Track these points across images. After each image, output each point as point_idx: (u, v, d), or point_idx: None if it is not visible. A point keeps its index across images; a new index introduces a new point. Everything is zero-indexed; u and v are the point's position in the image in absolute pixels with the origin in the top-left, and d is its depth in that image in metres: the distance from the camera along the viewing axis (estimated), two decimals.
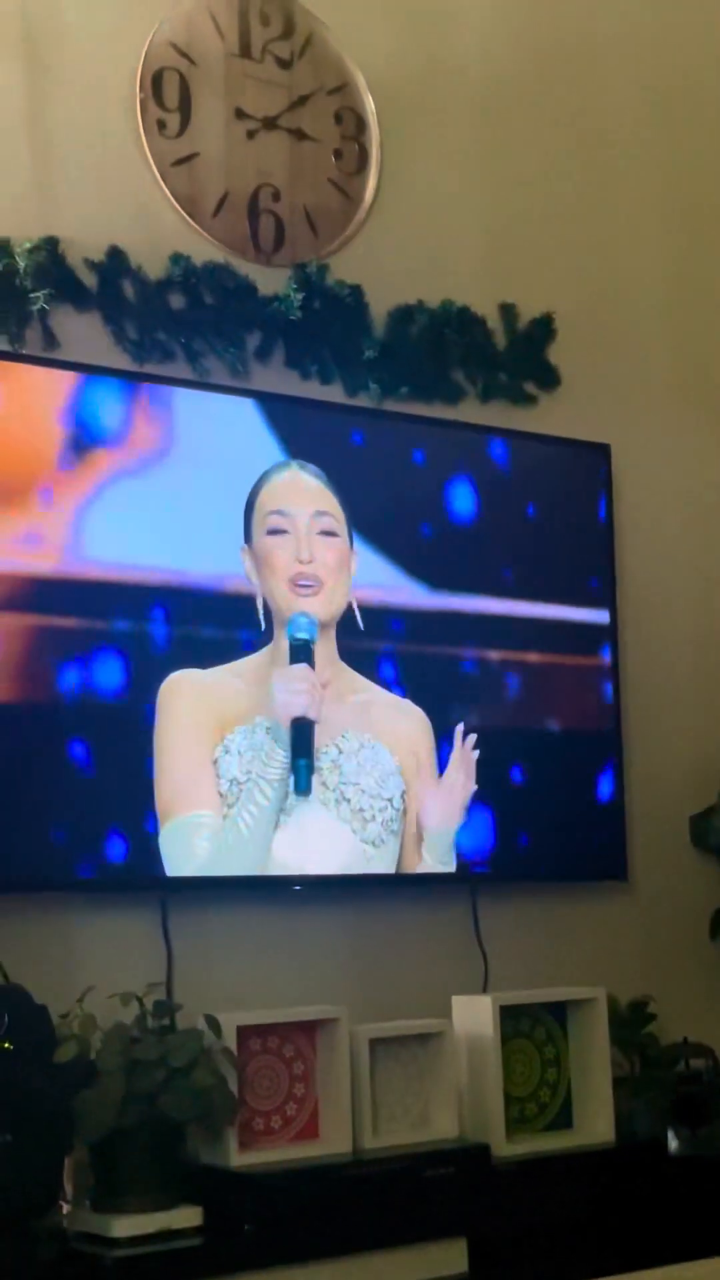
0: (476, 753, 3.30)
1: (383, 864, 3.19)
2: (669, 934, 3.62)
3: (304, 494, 3.18)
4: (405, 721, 3.25)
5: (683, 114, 3.96)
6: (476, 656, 3.36)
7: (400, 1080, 2.98)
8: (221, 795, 3.03)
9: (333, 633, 3.19)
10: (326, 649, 3.17)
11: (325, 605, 3.17)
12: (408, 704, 3.26)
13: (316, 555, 3.16)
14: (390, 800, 3.20)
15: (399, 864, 3.21)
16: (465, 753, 3.29)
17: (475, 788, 3.29)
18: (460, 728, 3.30)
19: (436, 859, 3.25)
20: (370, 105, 3.47)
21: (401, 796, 3.21)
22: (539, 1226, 2.89)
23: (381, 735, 3.21)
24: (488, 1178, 2.90)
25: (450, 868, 3.26)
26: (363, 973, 3.22)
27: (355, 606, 3.21)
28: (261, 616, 3.12)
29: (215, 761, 3.04)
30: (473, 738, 3.30)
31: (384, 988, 3.21)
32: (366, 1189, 2.78)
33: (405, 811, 3.22)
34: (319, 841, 3.11)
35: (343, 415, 3.30)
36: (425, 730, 3.27)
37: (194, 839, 3.00)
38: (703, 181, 3.97)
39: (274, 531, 3.14)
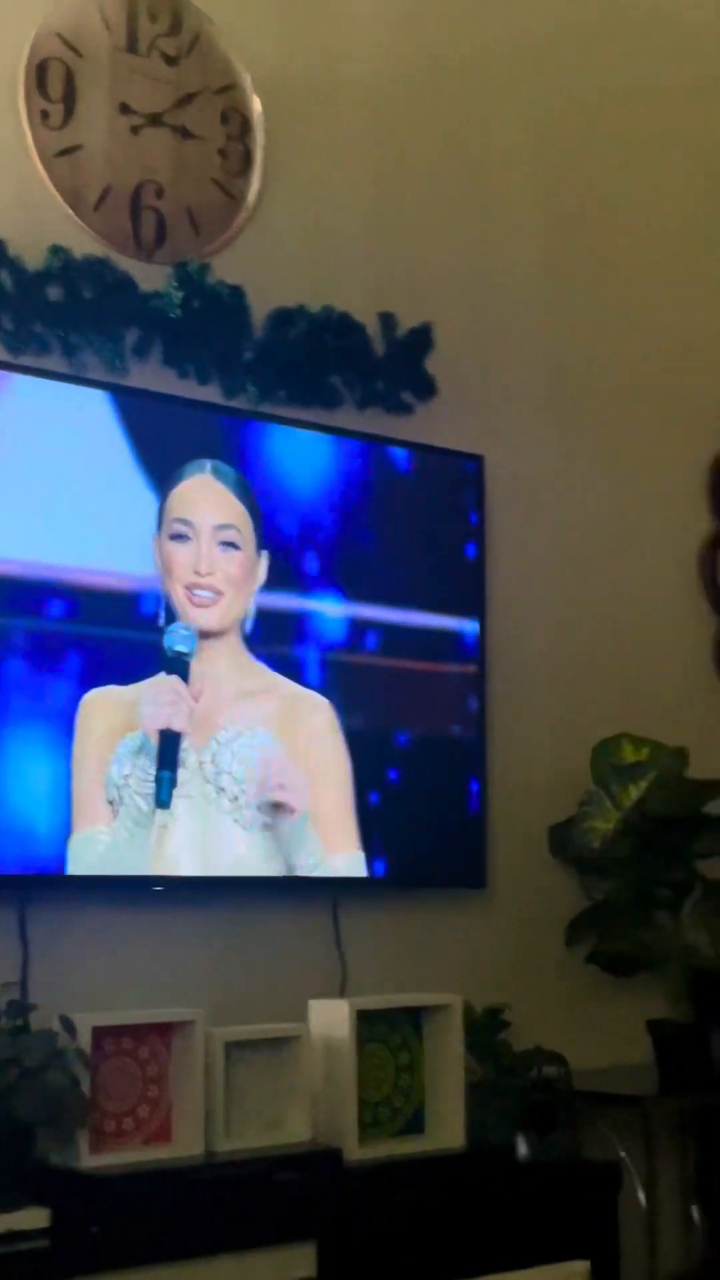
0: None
1: (267, 849, 3.19)
2: (527, 942, 3.65)
3: (210, 503, 3.20)
4: (308, 712, 3.28)
5: (567, 129, 4.01)
6: (345, 661, 3.37)
7: (255, 1083, 2.98)
8: (110, 804, 3.04)
9: (236, 636, 3.21)
10: (228, 651, 3.19)
11: (222, 615, 3.19)
12: (315, 696, 3.30)
13: (217, 567, 3.18)
14: (263, 783, 3.21)
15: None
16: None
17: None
18: None
19: (304, 848, 3.26)
20: (256, 107, 3.47)
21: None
22: (388, 1231, 2.90)
23: (271, 723, 3.22)
24: (338, 1182, 2.91)
25: (315, 852, 3.27)
26: (222, 975, 3.21)
27: (249, 612, 3.23)
28: (163, 613, 3.13)
29: (106, 771, 3.04)
30: None
31: (243, 991, 3.21)
32: (216, 1192, 2.77)
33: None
34: (201, 836, 3.13)
35: (219, 417, 3.30)
36: (329, 720, 3.30)
37: (90, 851, 3.02)
38: (585, 198, 4.03)
39: (176, 537, 3.15)
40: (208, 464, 3.21)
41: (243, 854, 3.18)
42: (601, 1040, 3.66)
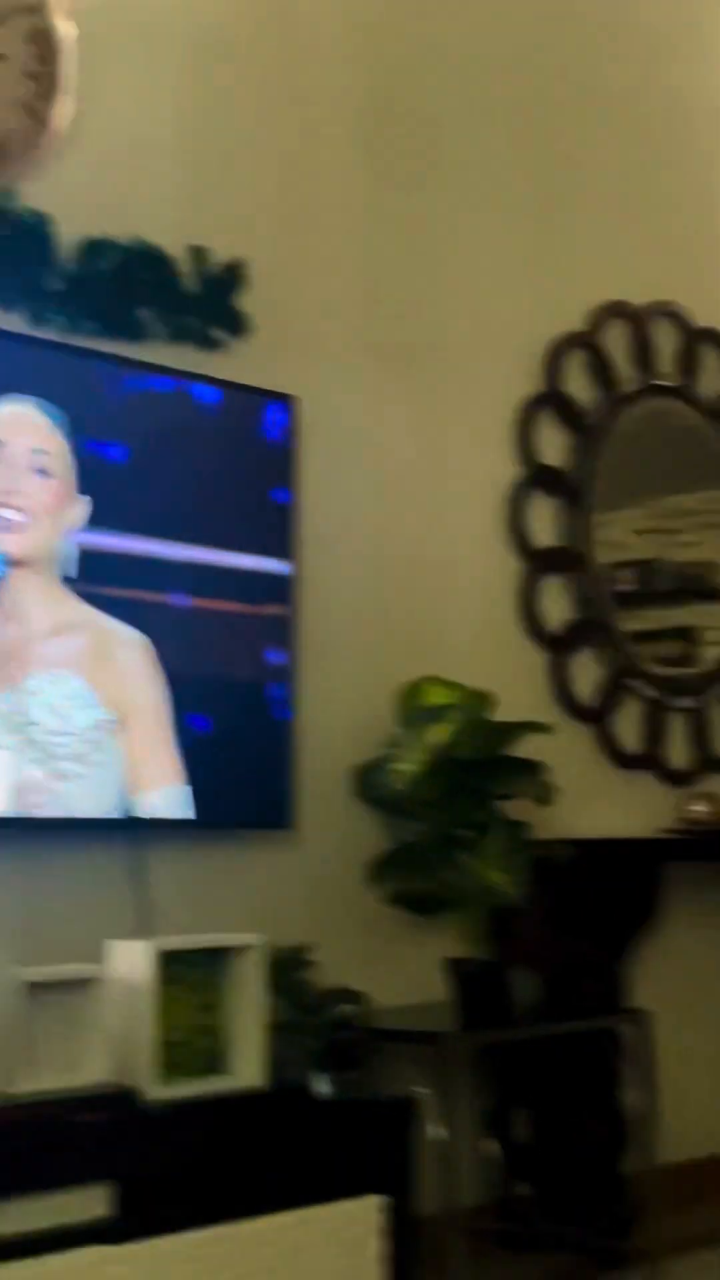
0: None
1: (87, 795, 3.17)
2: (330, 883, 3.67)
3: (26, 427, 3.15)
4: (121, 648, 3.25)
5: (384, 66, 3.98)
6: (154, 601, 3.34)
7: (54, 1025, 2.95)
8: None
9: (48, 569, 3.16)
10: (39, 584, 3.15)
11: (29, 542, 3.12)
12: (129, 632, 3.26)
13: (25, 489, 3.11)
14: (78, 733, 3.16)
15: (124, 789, 3.23)
16: None
17: None
18: None
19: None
20: (67, 30, 3.37)
21: (101, 725, 3.19)
22: (186, 1170, 2.90)
23: (82, 663, 3.18)
24: (136, 1122, 2.90)
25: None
26: (24, 916, 3.17)
27: (73, 552, 3.19)
28: None
29: None
30: None
31: (45, 932, 3.17)
32: (12, 1134, 2.74)
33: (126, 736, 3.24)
34: (9, 780, 3.09)
35: (23, 347, 3.22)
36: (143, 654, 3.27)
37: None
38: (401, 137, 4.00)
39: None
40: (29, 397, 3.15)
41: (56, 795, 3.14)
42: (405, 979, 3.71)
